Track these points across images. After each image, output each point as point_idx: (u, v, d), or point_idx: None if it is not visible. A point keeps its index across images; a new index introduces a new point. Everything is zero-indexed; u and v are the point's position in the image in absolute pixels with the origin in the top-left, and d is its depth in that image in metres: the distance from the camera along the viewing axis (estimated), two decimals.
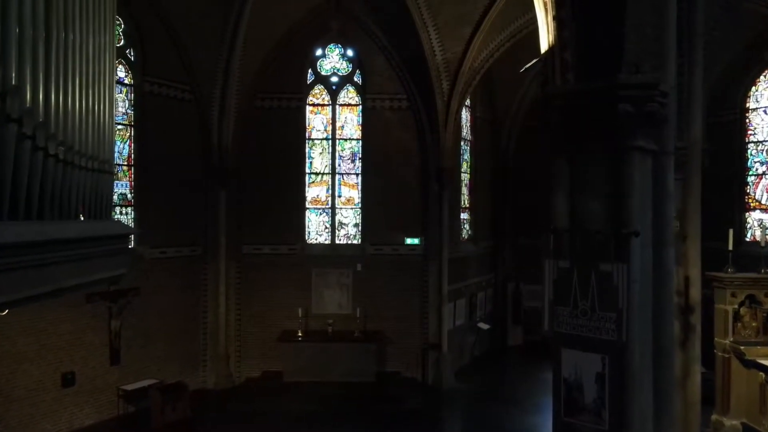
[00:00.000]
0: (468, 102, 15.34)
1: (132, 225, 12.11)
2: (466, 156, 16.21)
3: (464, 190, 16.09)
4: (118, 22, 11.86)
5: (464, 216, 16.12)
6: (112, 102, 4.99)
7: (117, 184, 11.91)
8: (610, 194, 5.14)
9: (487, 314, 16.75)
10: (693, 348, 7.50)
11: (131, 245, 12.02)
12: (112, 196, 5.20)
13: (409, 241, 14.15)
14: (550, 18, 5.24)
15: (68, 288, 4.10)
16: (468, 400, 13.28)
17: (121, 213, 12.01)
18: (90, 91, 4.57)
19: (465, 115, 15.75)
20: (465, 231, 16.20)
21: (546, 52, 5.40)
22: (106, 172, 4.81)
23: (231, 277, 13.58)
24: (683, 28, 7.14)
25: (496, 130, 17.45)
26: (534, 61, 5.80)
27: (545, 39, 5.42)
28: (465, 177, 16.14)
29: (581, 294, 5.18)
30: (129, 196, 12.14)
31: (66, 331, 10.69)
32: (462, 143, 15.72)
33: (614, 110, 4.88)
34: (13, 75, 3.64)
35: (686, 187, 7.62)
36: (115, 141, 11.34)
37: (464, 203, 16.09)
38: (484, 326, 16.19)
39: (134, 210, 12.17)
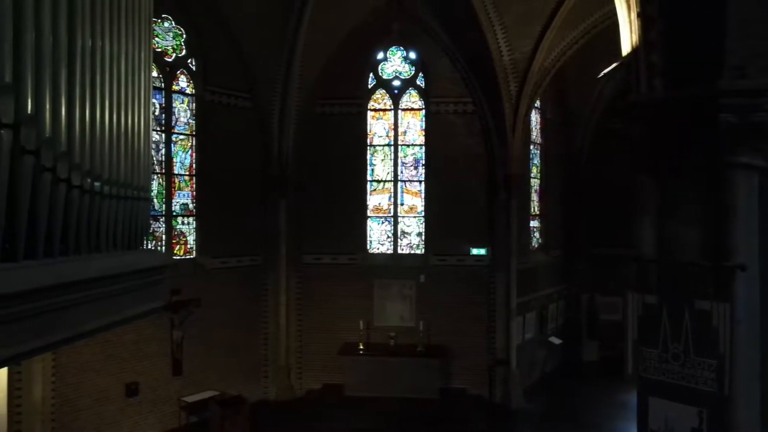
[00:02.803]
0: (538, 104, 14.45)
1: (194, 235, 12.12)
2: (536, 161, 15.32)
3: (534, 197, 15.21)
4: (179, 32, 11.90)
5: (534, 224, 15.24)
6: (148, 123, 4.70)
7: (179, 194, 11.99)
8: (708, 219, 4.39)
9: (559, 328, 15.80)
10: None
11: (192, 256, 12.07)
12: (149, 223, 4.92)
13: (474, 251, 13.46)
14: (633, 15, 4.52)
15: (90, 331, 3.81)
16: (538, 421, 12.48)
17: (183, 223, 12.03)
18: (123, 113, 4.28)
19: (534, 117, 14.88)
20: (535, 240, 15.32)
21: (628, 54, 4.68)
22: (142, 199, 4.52)
23: (291, 287, 13.38)
24: None
25: (569, 132, 16.41)
26: (614, 65, 5.07)
27: (627, 39, 4.69)
28: (534, 183, 15.26)
29: (672, 335, 4.46)
30: (191, 206, 12.14)
31: (130, 342, 10.75)
32: (531, 147, 14.85)
33: (714, 122, 4.13)
34: (29, 103, 3.36)
35: None
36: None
37: (534, 210, 15.21)
38: (555, 341, 15.26)
39: (196, 220, 12.16)
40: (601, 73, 6.36)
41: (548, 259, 15.49)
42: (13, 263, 3.38)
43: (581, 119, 16.19)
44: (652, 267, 4.71)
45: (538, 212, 15.44)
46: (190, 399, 11.31)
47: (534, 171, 15.22)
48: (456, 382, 13.29)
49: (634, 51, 4.69)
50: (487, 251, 13.42)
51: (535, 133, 15.18)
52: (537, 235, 15.46)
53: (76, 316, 3.66)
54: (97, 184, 3.92)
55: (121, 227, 4.30)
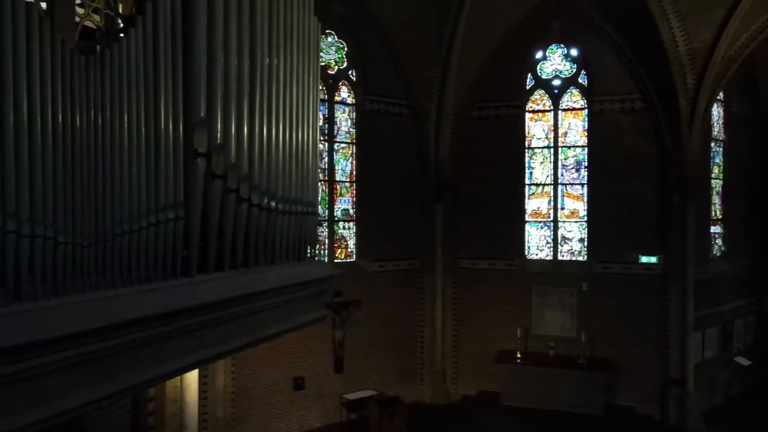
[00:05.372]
0: (720, 96, 12.95)
1: (354, 239, 12.67)
2: (718, 159, 13.74)
3: (715, 199, 13.66)
4: (341, 46, 12.51)
5: (715, 229, 13.69)
6: (316, 141, 4.98)
7: (340, 200, 12.60)
8: None
9: (747, 347, 14.01)
10: None
11: (352, 259, 12.62)
12: (316, 236, 5.21)
13: (644, 259, 12.44)
14: None
15: (269, 336, 4.13)
16: None
17: (344, 228, 12.62)
18: (294, 134, 4.58)
19: (716, 111, 13.33)
20: (716, 247, 13.76)
21: None
22: (310, 213, 4.81)
23: (447, 291, 13.41)
24: None
25: (761, 126, 14.46)
26: None
27: None
28: (716, 184, 13.70)
29: None
30: (351, 211, 12.71)
31: (297, 339, 11.44)
32: (712, 145, 13.36)
33: None
34: (219, 133, 3.73)
35: None
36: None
37: (715, 214, 13.67)
38: (743, 361, 13.56)
39: (356, 224, 12.70)
40: None
41: (734, 269, 13.79)
42: (206, 275, 3.77)
43: None
44: None
45: (720, 216, 13.85)
46: (351, 397, 11.82)
47: (715, 171, 13.68)
48: (622, 399, 12.41)
49: None
50: (659, 259, 12.34)
51: (717, 129, 13.63)
52: (719, 242, 13.88)
53: (257, 322, 4.01)
54: (272, 202, 4.23)
55: (291, 240, 4.60)
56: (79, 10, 3.62)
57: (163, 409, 7.23)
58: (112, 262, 3.31)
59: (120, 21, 3.77)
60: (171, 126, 3.47)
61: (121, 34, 3.45)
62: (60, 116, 3.05)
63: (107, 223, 3.29)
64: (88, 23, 3.63)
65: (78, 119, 3.15)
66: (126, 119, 3.35)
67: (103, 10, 3.67)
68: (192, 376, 7.50)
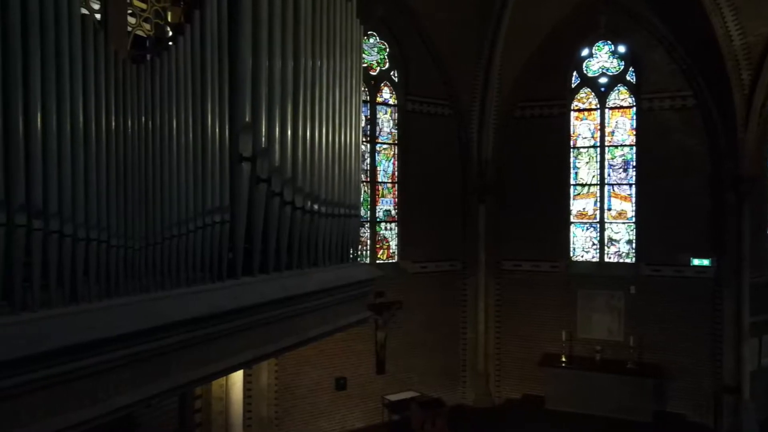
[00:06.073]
0: None
1: (396, 240, 12.67)
2: None
3: None
4: (383, 47, 12.53)
5: None
6: (358, 145, 5.00)
7: (382, 200, 12.61)
8: None
9: None
10: None
11: (394, 260, 12.62)
12: (359, 238, 5.23)
13: (696, 261, 12.02)
14: None
15: (312, 338, 4.16)
16: None
17: (386, 228, 12.64)
18: (336, 138, 4.61)
19: None
20: None
21: None
22: (352, 216, 4.83)
23: (490, 293, 13.25)
24: None
25: None
26: None
27: None
28: None
29: None
30: (393, 212, 12.71)
31: (339, 339, 11.51)
32: None
33: None
34: (263, 138, 3.78)
35: None
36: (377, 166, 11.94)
37: None
38: None
39: (398, 225, 12.69)
40: None
41: None
42: (251, 277, 3.83)
43: None
44: None
45: None
46: (393, 398, 11.81)
47: None
48: (672, 406, 12.04)
49: None
50: (712, 262, 11.90)
51: None
52: None
53: (300, 324, 4.05)
54: (315, 205, 4.27)
55: (334, 243, 4.63)
56: (131, 20, 3.74)
57: (209, 406, 7.40)
58: (162, 264, 3.41)
59: (169, 29, 3.88)
60: (217, 131, 3.55)
61: (170, 42, 3.54)
62: (113, 123, 3.15)
63: (157, 227, 3.39)
64: (139, 32, 3.74)
65: (130, 125, 3.25)
66: (175, 125, 3.44)
67: (154, 19, 3.78)
68: (237, 375, 7.64)
